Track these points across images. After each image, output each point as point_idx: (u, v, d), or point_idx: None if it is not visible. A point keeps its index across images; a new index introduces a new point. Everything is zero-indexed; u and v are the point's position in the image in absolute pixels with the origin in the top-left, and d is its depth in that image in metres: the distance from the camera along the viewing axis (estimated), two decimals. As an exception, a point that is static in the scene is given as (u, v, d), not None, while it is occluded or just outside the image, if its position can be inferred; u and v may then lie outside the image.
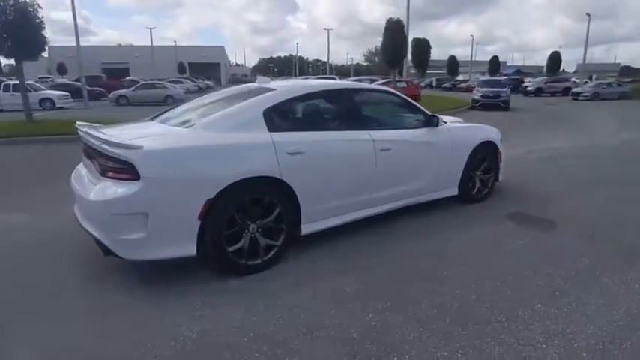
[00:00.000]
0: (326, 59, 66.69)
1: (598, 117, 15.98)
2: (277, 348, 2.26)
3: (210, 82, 52.78)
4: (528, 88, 32.53)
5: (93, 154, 2.95)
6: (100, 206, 2.71)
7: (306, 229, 3.35)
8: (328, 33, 61.92)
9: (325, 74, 48.27)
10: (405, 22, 20.13)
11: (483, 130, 4.91)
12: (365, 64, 77.97)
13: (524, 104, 22.20)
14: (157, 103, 23.24)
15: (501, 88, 20.33)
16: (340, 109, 3.82)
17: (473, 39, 60.49)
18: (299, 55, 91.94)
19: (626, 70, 62.26)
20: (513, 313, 2.56)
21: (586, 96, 27.16)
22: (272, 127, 3.16)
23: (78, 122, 3.35)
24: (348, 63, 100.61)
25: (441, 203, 4.52)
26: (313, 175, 3.26)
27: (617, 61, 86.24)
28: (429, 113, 4.29)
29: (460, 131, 4.59)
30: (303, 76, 44.96)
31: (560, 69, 47.47)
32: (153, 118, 3.84)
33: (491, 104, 19.33)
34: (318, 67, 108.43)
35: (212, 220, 2.82)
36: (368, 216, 3.81)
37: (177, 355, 2.23)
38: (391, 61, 18.36)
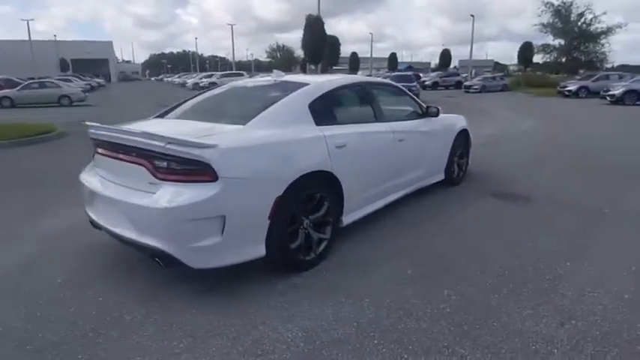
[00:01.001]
0: (222, 55, 64.77)
1: (496, 107, 18.40)
2: (390, 333, 2.33)
3: (101, 81, 47.93)
4: (426, 83, 35.79)
5: (135, 154, 2.61)
6: (169, 213, 2.43)
7: (346, 219, 3.43)
8: (232, 28, 60.48)
9: (231, 70, 46.93)
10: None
11: (460, 119, 5.46)
12: (267, 60, 77.28)
13: (427, 98, 24.42)
14: (50, 104, 20.49)
15: (411, 82, 22.16)
16: (366, 102, 3.95)
17: (372, 37, 63.52)
18: (194, 50, 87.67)
19: (497, 66, 72.72)
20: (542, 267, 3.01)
21: (476, 89, 31.31)
22: (318, 121, 3.18)
23: (87, 122, 3.04)
24: (248, 59, 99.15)
25: (428, 188, 4.91)
26: (354, 167, 3.35)
27: (489, 58, 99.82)
28: (429, 105, 4.67)
29: (446, 120, 5.04)
30: (205, 73, 43.09)
31: (452, 65, 53.38)
32: (162, 115, 3.61)
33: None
34: (216, 63, 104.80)
35: (279, 218, 2.75)
36: (389, 202, 4.03)
37: (302, 356, 2.18)
38: (313, 57, 18.75)
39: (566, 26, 31.81)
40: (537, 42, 36.80)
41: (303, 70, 22.66)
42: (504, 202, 4.67)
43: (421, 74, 41.64)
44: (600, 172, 6.00)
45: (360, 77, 5.53)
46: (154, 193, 2.51)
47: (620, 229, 3.86)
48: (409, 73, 33.48)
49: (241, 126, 2.91)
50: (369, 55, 65.73)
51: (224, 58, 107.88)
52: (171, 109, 3.69)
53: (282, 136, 2.91)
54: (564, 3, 31.72)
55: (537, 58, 38.22)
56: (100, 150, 2.99)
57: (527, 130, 11.04)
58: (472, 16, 42.44)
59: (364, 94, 3.97)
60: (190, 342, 2.27)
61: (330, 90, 3.51)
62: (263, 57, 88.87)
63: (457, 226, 3.95)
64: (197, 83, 33.26)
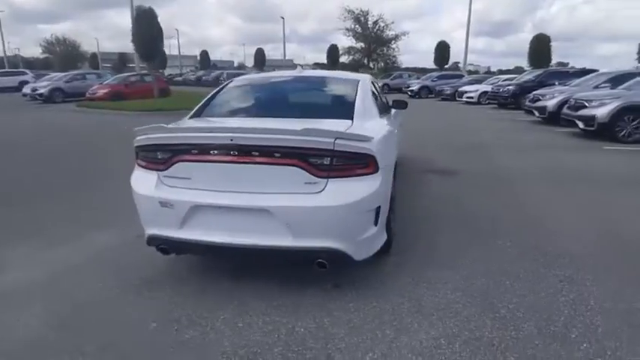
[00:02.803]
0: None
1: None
2: (545, 320, 2.33)
3: None
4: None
5: (282, 154, 2.29)
6: (344, 210, 2.32)
7: None
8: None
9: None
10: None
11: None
12: (43, 55, 61.64)
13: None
14: None
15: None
16: (376, 97, 4.04)
17: (178, 33, 60.11)
18: None
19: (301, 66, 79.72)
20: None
21: None
22: (379, 113, 3.45)
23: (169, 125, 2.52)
24: (11, 54, 78.17)
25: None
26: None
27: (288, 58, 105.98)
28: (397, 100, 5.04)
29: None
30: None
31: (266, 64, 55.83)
32: (200, 114, 3.19)
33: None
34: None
35: (388, 203, 2.82)
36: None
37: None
38: (147, 52, 16.85)
39: (364, 31, 37.58)
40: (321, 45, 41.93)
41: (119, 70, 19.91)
42: (440, 176, 5.63)
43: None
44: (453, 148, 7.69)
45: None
46: (318, 192, 2.32)
47: (463, 180, 5.41)
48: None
49: (349, 120, 2.85)
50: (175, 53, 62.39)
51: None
52: (204, 108, 3.26)
53: (388, 127, 3.17)
54: (362, 11, 37.41)
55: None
56: (195, 156, 2.40)
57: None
58: (282, 18, 45.33)
59: (375, 90, 4.14)
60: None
61: (372, 84, 3.73)
62: (34, 52, 71.60)
63: (424, 193, 4.60)
64: None
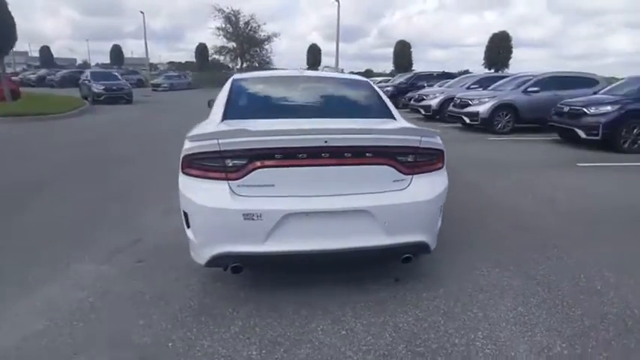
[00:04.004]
0: None
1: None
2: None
3: None
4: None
5: (373, 154, 2.30)
6: (432, 204, 2.46)
7: None
8: None
9: None
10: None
11: None
12: None
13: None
14: None
15: (119, 80, 19.96)
16: None
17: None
18: None
19: (174, 65, 73.65)
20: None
21: (165, 87, 31.93)
22: None
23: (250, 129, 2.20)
24: None
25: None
26: None
27: (135, 56, 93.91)
28: None
29: None
30: None
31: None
32: (228, 117, 2.87)
33: (115, 97, 18.75)
34: None
35: None
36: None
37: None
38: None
39: (236, 31, 36.82)
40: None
41: None
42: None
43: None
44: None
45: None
46: (404, 189, 2.39)
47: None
48: (112, 70, 29.07)
49: (392, 119, 2.95)
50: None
51: None
52: (232, 109, 2.91)
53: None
54: (233, 11, 36.54)
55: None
56: (280, 161, 2.21)
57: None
58: (142, 12, 41.38)
59: None
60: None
61: None
62: None
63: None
64: None
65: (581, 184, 5.45)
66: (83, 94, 19.67)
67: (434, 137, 2.46)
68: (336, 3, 30.70)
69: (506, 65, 23.51)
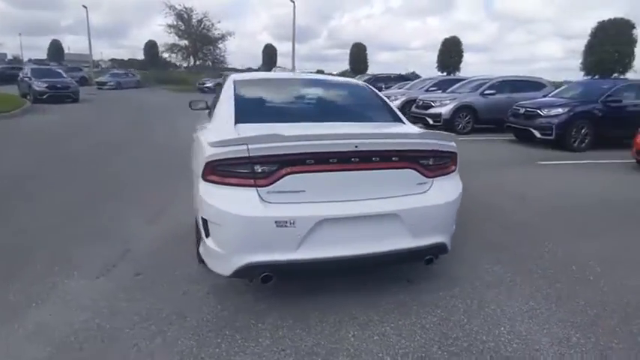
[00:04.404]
0: None
1: (157, 101, 18.98)
2: None
3: None
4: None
5: (399, 158, 2.34)
6: (453, 206, 2.56)
7: None
8: None
9: None
10: None
11: None
12: None
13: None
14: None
15: (64, 77, 18.57)
16: None
17: None
18: None
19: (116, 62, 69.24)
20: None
21: (111, 85, 30.22)
22: None
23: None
24: None
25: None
26: None
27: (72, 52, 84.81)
28: None
29: None
30: None
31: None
32: (242, 121, 2.70)
33: (60, 96, 17.44)
34: None
35: None
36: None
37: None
38: None
39: (188, 29, 35.59)
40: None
41: None
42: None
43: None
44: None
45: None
46: (426, 191, 2.45)
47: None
48: (54, 67, 26.75)
49: (402, 123, 2.97)
50: None
51: None
52: (242, 113, 2.76)
53: None
54: (186, 8, 35.25)
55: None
56: (311, 167, 2.18)
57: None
58: (85, 7, 38.63)
59: None
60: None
61: None
62: None
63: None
64: None
65: (548, 181, 5.87)
66: (22, 92, 18.09)
67: (450, 141, 2.53)
68: (291, 3, 30.68)
69: (457, 69, 24.77)
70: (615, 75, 14.63)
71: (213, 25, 36.38)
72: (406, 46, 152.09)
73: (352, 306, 2.50)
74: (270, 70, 39.68)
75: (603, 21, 15.40)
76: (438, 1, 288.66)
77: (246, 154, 2.10)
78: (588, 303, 2.61)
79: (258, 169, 2.13)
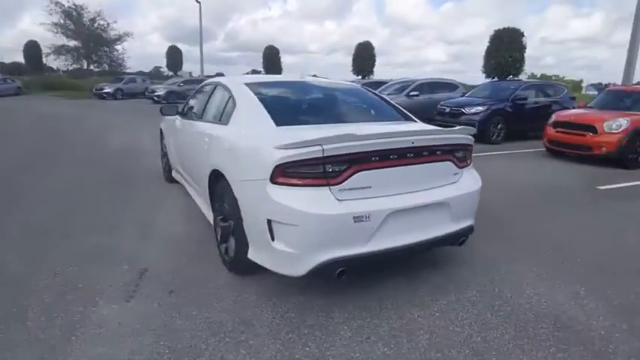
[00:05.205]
0: None
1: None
2: None
3: None
4: None
5: (441, 152, 2.64)
6: (479, 192, 2.89)
7: None
8: None
9: None
10: None
11: None
12: None
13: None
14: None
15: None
16: None
17: None
18: None
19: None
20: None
21: None
22: None
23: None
24: None
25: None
26: None
27: None
28: None
29: None
30: None
31: None
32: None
33: None
34: None
35: None
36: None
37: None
38: None
39: (79, 29, 31.95)
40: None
41: None
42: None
43: None
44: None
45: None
46: (458, 181, 2.77)
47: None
48: None
49: (415, 122, 3.28)
50: None
51: None
52: (278, 116, 2.84)
53: None
54: (75, 5, 31.54)
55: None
56: (376, 163, 2.35)
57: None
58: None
59: None
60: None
61: None
62: None
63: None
64: None
65: (489, 170, 6.72)
66: None
67: (470, 135, 2.89)
68: (186, 4, 29.57)
69: (371, 72, 26.31)
70: (510, 77, 17.11)
71: (109, 25, 33.20)
72: (305, 50, 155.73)
73: (398, 292, 2.71)
74: (175, 72, 37.66)
75: (499, 29, 17.87)
76: (334, 7, 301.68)
77: (321, 155, 2.20)
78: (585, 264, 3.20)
79: (329, 168, 2.24)
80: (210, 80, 4.46)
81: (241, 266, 2.80)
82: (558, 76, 41.11)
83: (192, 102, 4.54)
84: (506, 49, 17.17)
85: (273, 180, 2.27)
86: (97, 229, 3.78)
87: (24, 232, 3.71)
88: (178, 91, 24.36)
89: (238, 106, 3.05)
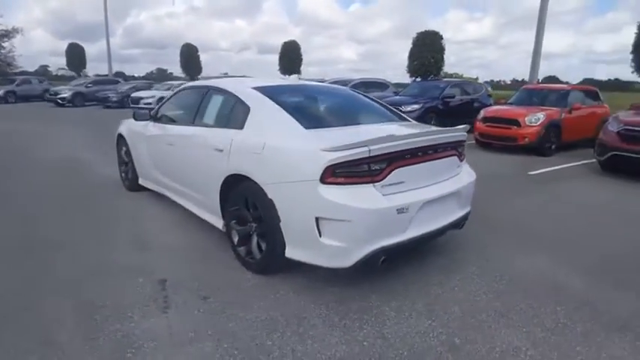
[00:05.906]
0: None
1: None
2: None
3: None
4: None
5: (450, 148, 3.01)
6: (474, 182, 3.31)
7: None
8: None
9: None
10: None
11: None
12: None
13: None
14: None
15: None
16: None
17: None
18: None
19: None
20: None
21: None
22: None
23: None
24: None
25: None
26: None
27: None
28: None
29: None
30: None
31: None
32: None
33: None
34: None
35: None
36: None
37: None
38: None
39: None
40: None
41: None
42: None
43: None
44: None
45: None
46: (460, 173, 3.19)
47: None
48: None
49: (409, 121, 3.67)
50: None
51: None
52: (303, 119, 2.98)
53: None
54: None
55: None
56: (408, 160, 2.66)
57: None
58: None
59: None
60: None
61: None
62: None
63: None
64: None
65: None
66: None
67: (465, 132, 3.32)
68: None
69: (299, 71, 26.59)
70: (432, 76, 18.70)
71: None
72: (215, 47, 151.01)
73: (418, 276, 3.04)
74: (78, 72, 34.23)
75: (421, 32, 19.35)
76: (244, 4, 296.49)
77: (367, 155, 2.43)
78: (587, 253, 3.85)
79: (373, 167, 2.49)
80: (194, 84, 4.37)
81: (272, 266, 2.91)
82: (457, 73, 45.47)
83: (170, 106, 4.41)
84: (428, 51, 18.76)
85: (323, 180, 2.44)
86: (84, 244, 3.54)
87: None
88: (86, 92, 22.25)
89: (253, 111, 3.11)
